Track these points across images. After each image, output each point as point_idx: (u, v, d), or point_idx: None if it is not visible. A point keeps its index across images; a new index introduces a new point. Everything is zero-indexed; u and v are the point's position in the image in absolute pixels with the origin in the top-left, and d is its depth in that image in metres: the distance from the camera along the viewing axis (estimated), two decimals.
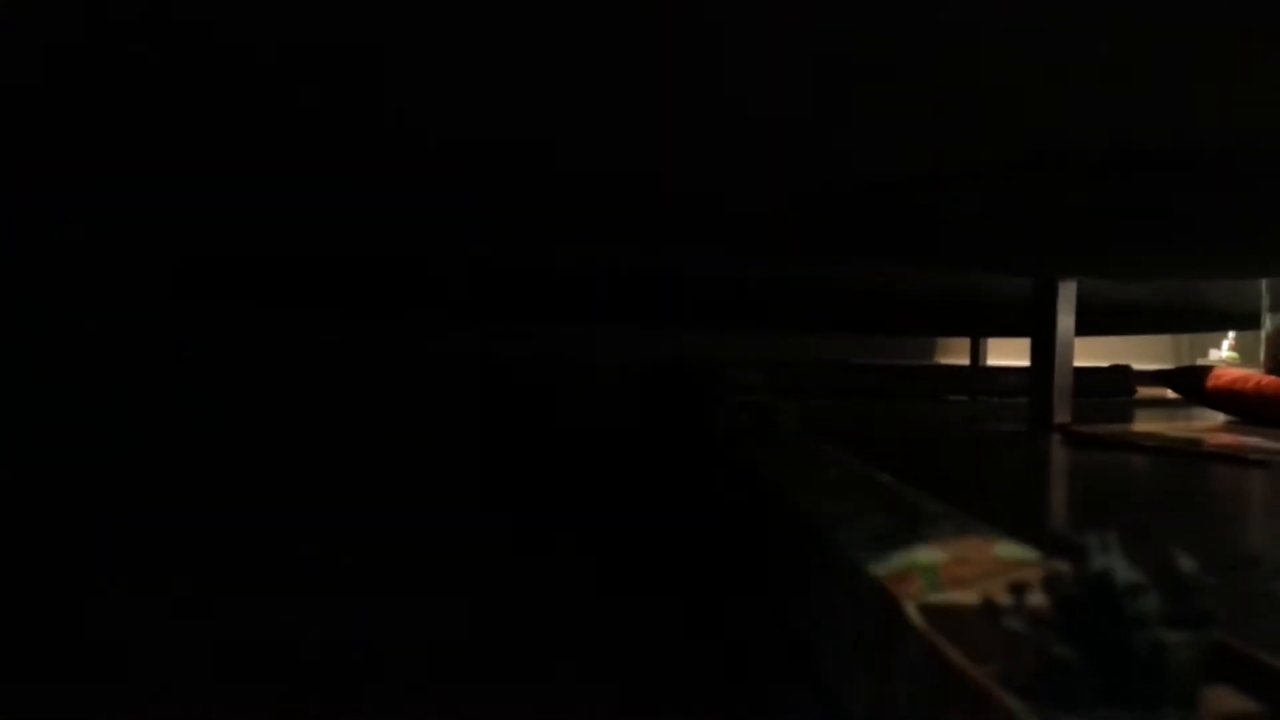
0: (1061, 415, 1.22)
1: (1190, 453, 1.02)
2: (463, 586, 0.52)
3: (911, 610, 0.32)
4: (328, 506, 0.72)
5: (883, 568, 0.37)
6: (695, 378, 1.73)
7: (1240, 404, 1.38)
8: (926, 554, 0.39)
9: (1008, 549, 0.38)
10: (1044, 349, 1.23)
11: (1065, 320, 1.22)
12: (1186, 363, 2.50)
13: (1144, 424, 1.41)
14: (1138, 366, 2.33)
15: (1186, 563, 0.25)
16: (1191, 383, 1.50)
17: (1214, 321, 1.81)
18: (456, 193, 0.79)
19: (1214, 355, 2.34)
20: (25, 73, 0.47)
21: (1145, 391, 2.13)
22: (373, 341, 1.69)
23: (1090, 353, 2.29)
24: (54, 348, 1.21)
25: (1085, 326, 1.28)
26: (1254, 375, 1.38)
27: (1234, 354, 2.30)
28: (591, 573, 0.55)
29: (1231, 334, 2.32)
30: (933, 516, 0.48)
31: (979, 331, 2.09)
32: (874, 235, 0.87)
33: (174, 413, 1.29)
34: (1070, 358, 1.23)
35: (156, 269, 1.22)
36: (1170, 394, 1.97)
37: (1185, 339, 2.54)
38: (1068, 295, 1.22)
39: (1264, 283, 1.54)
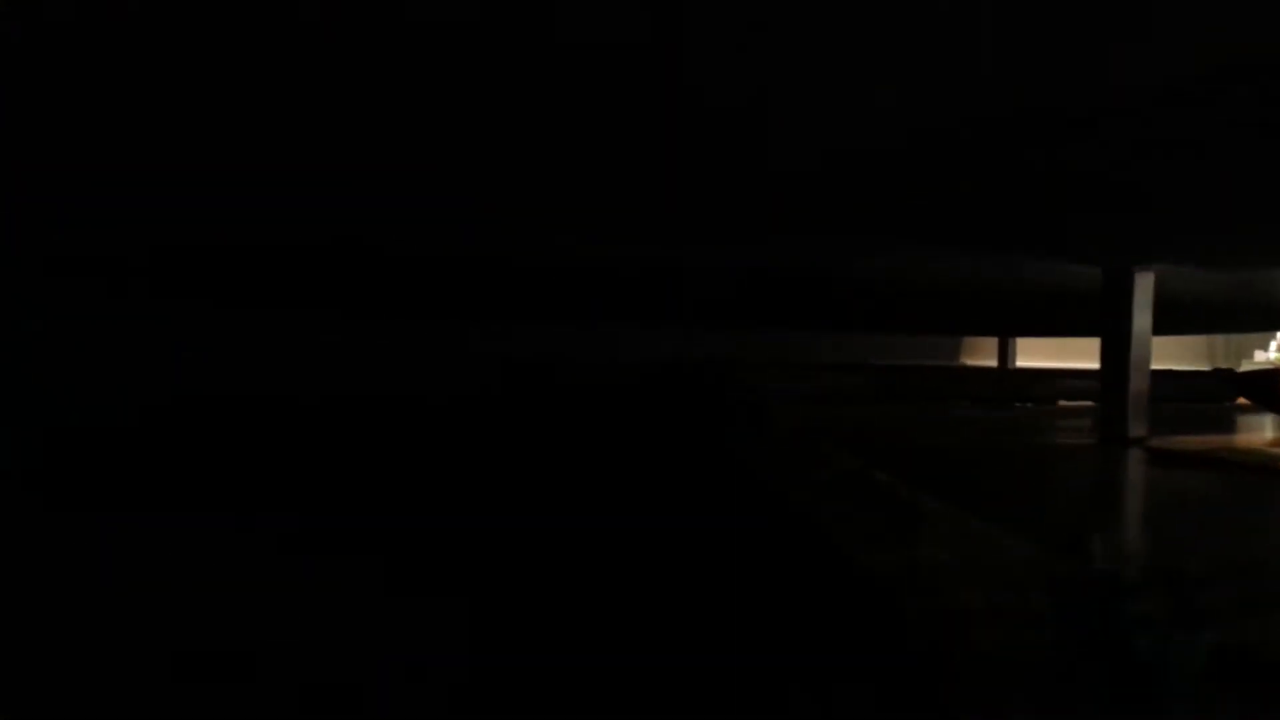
0: (1137, 427, 1.06)
1: None
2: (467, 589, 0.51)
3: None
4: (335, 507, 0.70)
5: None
6: (703, 382, 1.56)
7: None
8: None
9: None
10: (1117, 351, 1.06)
11: (1142, 318, 1.05)
12: (1222, 365, 2.35)
13: (1215, 434, 1.24)
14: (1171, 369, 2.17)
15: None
16: (1264, 386, 1.34)
17: None
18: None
19: (1260, 357, 2.18)
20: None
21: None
22: (368, 341, 1.56)
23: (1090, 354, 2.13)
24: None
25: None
26: None
27: None
28: (592, 571, 0.54)
29: (1279, 335, 2.17)
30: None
31: (1011, 329, 1.93)
32: (954, 208, 0.70)
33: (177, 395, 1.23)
34: (1147, 361, 1.06)
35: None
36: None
37: (1219, 339, 2.39)
38: (1145, 288, 1.05)
39: None
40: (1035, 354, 2.07)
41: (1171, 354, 2.26)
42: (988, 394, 1.57)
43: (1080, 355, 2.12)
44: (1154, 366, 1.16)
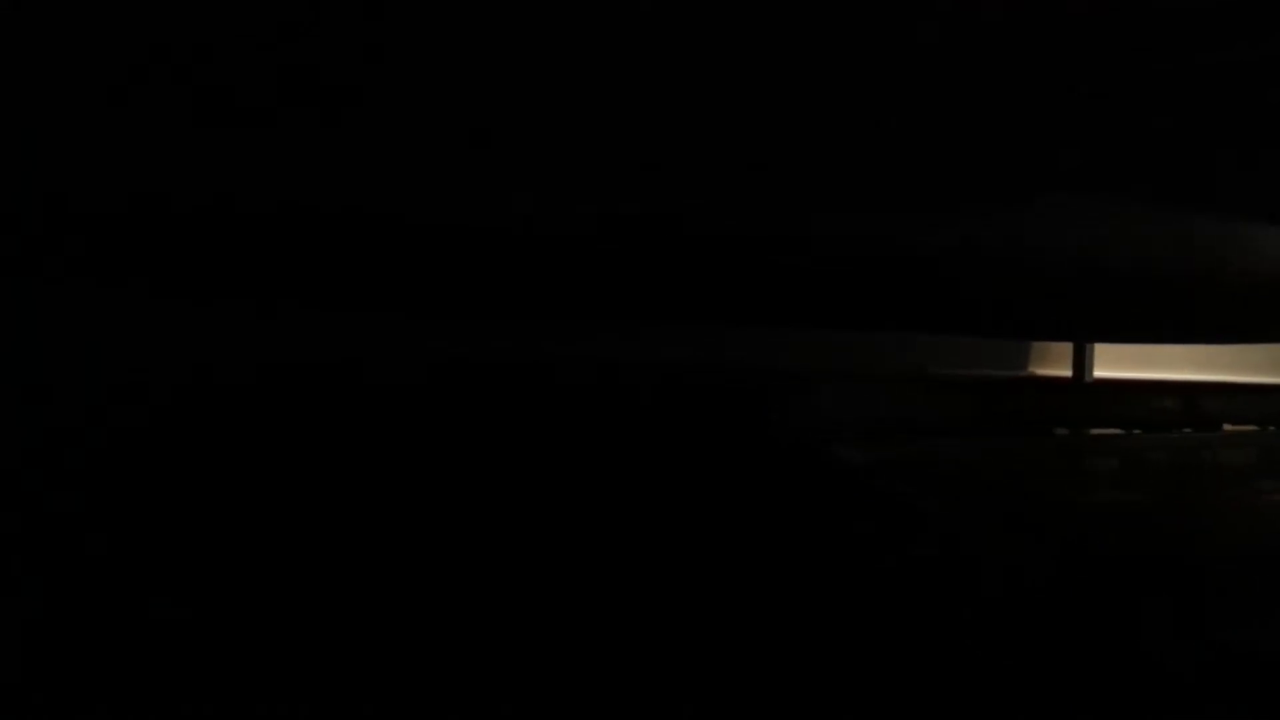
0: None
1: None
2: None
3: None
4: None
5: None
6: (722, 404, 1.24)
7: None
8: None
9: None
10: None
11: None
12: None
13: None
14: (1249, 380, 1.88)
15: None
16: None
17: None
18: None
19: None
20: None
21: None
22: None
23: (1180, 363, 1.82)
24: None
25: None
26: None
27: None
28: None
29: None
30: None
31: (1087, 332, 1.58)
32: None
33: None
34: None
35: None
36: None
37: None
38: None
39: None
40: (1113, 362, 1.74)
41: (1250, 363, 1.95)
42: (1108, 417, 1.22)
43: (1167, 364, 1.80)
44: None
